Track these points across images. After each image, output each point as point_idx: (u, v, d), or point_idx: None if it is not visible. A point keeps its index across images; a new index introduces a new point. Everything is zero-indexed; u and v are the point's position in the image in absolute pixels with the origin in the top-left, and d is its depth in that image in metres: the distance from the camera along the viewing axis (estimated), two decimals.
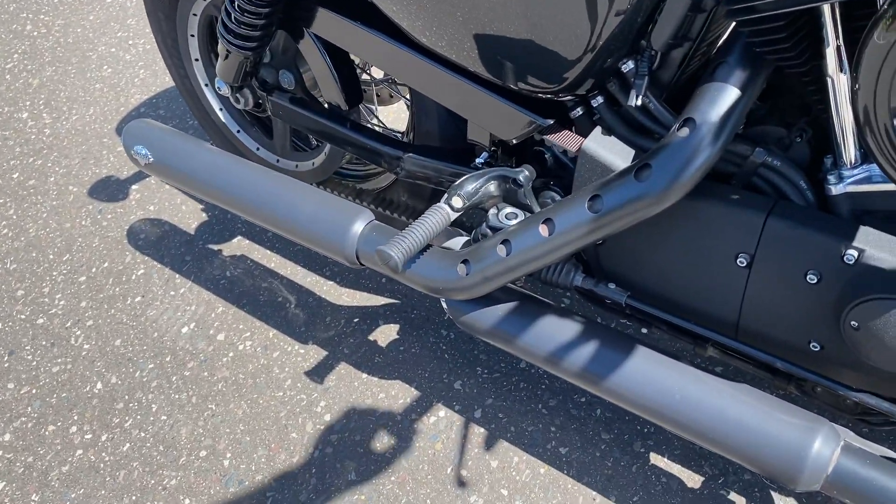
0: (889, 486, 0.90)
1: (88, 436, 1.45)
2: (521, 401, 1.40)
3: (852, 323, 0.87)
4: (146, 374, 1.53)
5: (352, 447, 1.37)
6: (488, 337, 1.14)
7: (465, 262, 1.07)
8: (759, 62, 0.87)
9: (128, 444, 1.43)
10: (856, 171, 0.88)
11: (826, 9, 0.78)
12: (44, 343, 1.61)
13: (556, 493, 1.27)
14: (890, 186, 0.86)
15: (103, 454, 1.42)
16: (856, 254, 0.87)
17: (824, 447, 0.92)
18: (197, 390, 1.50)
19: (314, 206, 1.19)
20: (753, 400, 0.96)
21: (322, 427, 1.41)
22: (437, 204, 1.08)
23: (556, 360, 1.07)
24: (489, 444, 1.35)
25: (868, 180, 0.88)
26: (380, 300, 1.60)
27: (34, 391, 1.53)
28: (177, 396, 1.49)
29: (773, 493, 1.23)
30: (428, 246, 1.13)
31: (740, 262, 0.96)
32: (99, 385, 1.53)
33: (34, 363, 1.58)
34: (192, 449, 1.41)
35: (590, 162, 1.01)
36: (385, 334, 1.53)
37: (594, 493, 1.26)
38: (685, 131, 0.87)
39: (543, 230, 0.99)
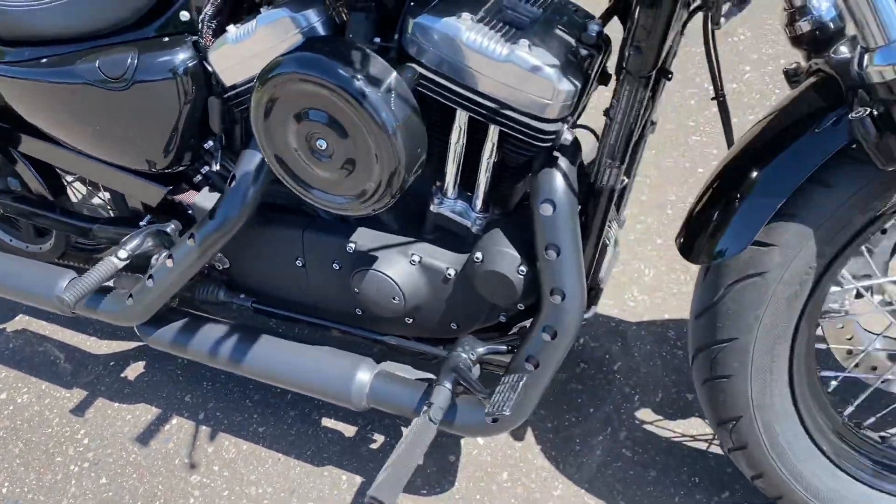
0: (408, 395, 1.35)
1: None
2: (234, 400, 1.81)
3: (355, 289, 1.34)
4: None
5: (103, 458, 1.75)
6: (169, 349, 1.56)
7: (131, 296, 1.50)
8: None
9: None
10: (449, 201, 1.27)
11: None
12: None
13: (253, 460, 1.68)
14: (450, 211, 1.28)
15: None
16: (354, 245, 1.34)
17: (364, 375, 1.38)
18: None
19: (28, 275, 1.61)
20: (321, 353, 1.42)
21: (81, 449, 1.78)
22: (108, 257, 1.51)
23: (210, 356, 1.51)
24: (208, 437, 1.75)
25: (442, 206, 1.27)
26: (131, 345, 1.99)
27: None
28: None
29: (401, 426, 1.68)
30: (110, 289, 1.55)
31: (298, 263, 1.42)
32: None
33: None
34: None
35: (200, 212, 1.46)
36: (134, 370, 1.93)
37: (280, 455, 1.68)
38: (229, 187, 1.33)
39: (169, 263, 1.43)
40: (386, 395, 1.37)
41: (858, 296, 1.24)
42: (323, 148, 1.09)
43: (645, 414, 1.61)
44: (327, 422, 1.73)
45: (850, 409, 1.26)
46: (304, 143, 1.10)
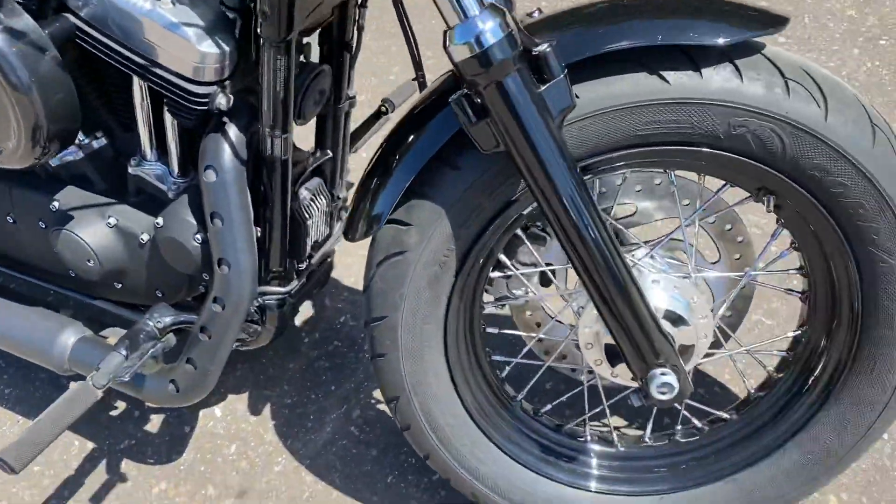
0: (100, 357, 1.30)
1: None
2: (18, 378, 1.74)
3: (54, 250, 1.30)
4: None
5: None
6: None
7: None
8: None
9: None
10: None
11: None
12: None
13: None
14: None
15: None
16: (57, 203, 1.30)
17: (67, 338, 1.34)
18: None
19: None
20: (30, 313, 1.38)
21: None
22: None
23: None
24: None
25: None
26: None
27: None
28: None
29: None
30: None
31: (10, 220, 1.37)
32: None
33: None
34: None
35: None
36: None
37: (20, 417, 1.64)
38: None
39: None
40: (86, 359, 1.33)
41: (544, 283, 1.25)
42: None
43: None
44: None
45: (521, 395, 1.27)
46: None
